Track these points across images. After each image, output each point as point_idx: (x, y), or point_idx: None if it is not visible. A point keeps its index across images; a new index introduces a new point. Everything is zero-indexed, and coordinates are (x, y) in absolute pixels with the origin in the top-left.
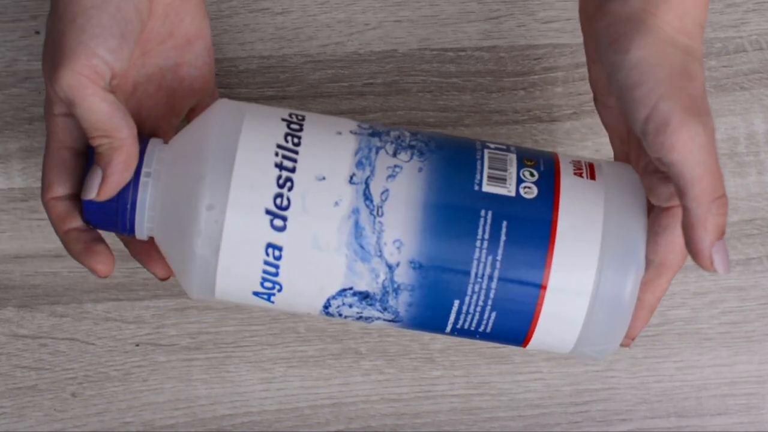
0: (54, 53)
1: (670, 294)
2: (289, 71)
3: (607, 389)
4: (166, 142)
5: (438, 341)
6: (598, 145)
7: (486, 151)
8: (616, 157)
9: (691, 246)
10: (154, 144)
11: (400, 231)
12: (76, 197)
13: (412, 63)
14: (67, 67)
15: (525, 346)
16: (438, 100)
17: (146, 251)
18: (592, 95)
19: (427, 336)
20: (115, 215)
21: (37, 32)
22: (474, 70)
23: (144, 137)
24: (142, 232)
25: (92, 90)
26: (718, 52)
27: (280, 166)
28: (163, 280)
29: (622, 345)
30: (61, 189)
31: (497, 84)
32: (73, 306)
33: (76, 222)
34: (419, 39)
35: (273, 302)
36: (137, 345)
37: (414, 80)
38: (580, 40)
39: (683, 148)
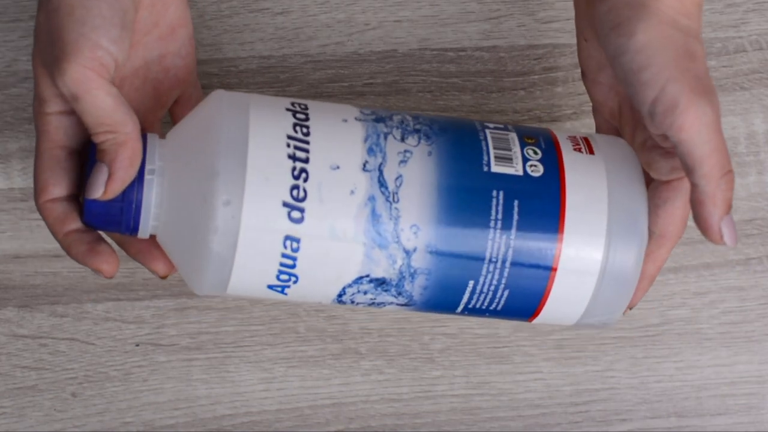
0: (54, 48)
1: (670, 294)
2: (289, 71)
3: (607, 389)
4: (160, 136)
5: (438, 341)
6: None
7: (487, 131)
8: (599, 131)
9: (700, 221)
10: (153, 139)
11: (417, 216)
12: (74, 198)
13: (412, 63)
14: (72, 60)
15: (531, 320)
16: (438, 100)
17: (146, 249)
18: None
19: (427, 336)
20: (119, 215)
21: None
22: (474, 70)
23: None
24: (146, 230)
25: (98, 83)
26: (718, 52)
27: (293, 158)
28: (163, 277)
29: None
30: (57, 190)
31: (497, 84)
32: (73, 306)
33: (76, 223)
34: (419, 39)
35: (287, 294)
36: (137, 345)
37: (414, 80)
38: None
39: (691, 127)
